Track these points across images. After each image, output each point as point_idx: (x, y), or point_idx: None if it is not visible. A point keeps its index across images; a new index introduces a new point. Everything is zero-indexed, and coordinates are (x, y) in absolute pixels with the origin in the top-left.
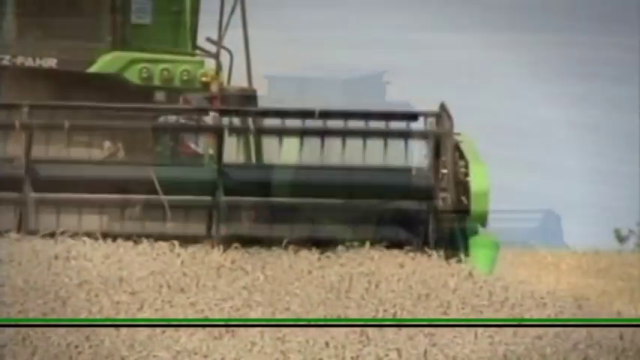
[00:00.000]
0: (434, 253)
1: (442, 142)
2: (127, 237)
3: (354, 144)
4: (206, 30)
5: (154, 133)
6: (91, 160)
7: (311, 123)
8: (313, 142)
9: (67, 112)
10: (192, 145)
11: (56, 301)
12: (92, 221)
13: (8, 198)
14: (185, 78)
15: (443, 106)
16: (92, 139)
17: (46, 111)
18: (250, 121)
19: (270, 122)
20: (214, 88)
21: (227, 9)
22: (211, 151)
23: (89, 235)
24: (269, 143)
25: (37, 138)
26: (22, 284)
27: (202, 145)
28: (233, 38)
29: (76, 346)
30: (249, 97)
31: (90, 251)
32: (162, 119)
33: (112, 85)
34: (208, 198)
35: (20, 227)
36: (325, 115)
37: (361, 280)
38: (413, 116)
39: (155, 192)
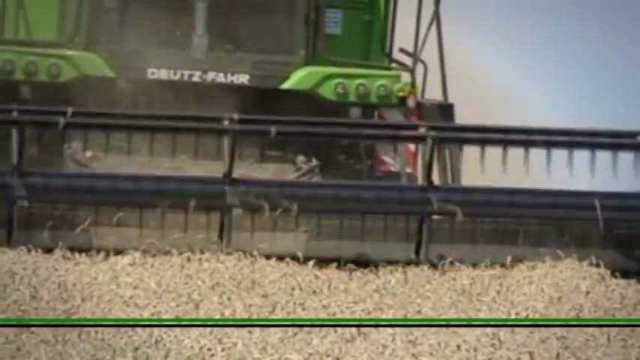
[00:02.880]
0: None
1: None
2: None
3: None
4: (399, 40)
5: (349, 148)
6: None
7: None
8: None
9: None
10: (388, 160)
11: (188, 304)
12: (285, 239)
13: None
14: (382, 93)
15: None
16: (285, 154)
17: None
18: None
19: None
20: (411, 102)
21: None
22: (409, 170)
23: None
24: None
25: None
26: (155, 286)
27: (398, 163)
28: (425, 49)
29: (209, 349)
30: (446, 111)
31: (223, 254)
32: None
33: (305, 102)
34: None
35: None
36: (549, 132)
37: (493, 283)
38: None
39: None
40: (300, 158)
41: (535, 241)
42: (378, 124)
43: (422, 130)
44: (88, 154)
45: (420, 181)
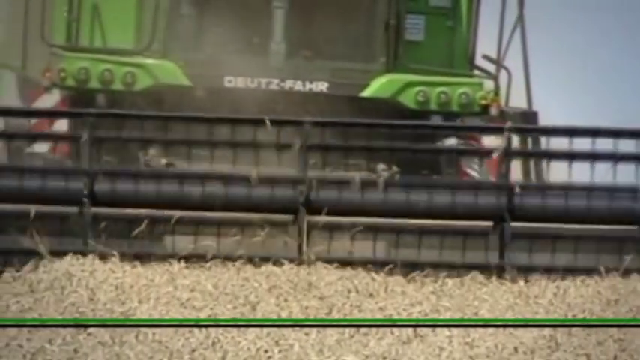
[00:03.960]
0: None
1: None
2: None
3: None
4: (481, 46)
5: (431, 158)
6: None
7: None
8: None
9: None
10: (470, 172)
11: (245, 306)
12: (366, 247)
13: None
14: (463, 101)
15: None
16: (364, 161)
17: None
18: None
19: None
20: (494, 110)
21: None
22: (492, 179)
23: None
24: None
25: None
26: (212, 288)
27: (481, 173)
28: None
29: (266, 351)
30: (530, 119)
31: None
32: (439, 144)
33: (385, 110)
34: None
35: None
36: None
37: (550, 285)
38: None
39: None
40: (380, 166)
41: (594, 245)
42: (456, 125)
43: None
44: (164, 161)
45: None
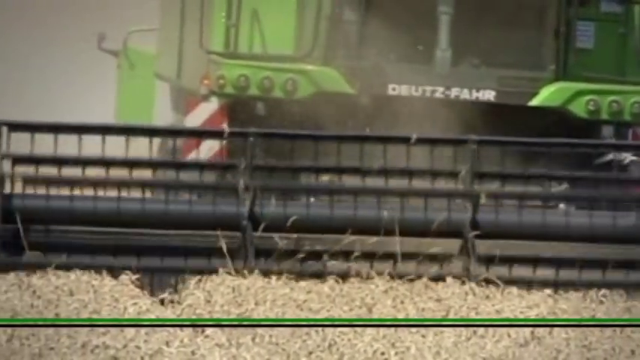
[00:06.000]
0: None
1: None
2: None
3: None
4: None
5: (600, 168)
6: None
7: None
8: None
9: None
10: None
11: (361, 308)
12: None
13: None
14: (636, 111)
15: None
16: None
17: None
18: None
19: None
20: None
21: None
22: None
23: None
24: None
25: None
26: (329, 290)
27: None
28: None
29: (382, 353)
30: None
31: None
32: (610, 157)
33: (553, 120)
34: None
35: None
36: None
37: None
38: None
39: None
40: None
41: None
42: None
43: None
44: (325, 178)
45: None
